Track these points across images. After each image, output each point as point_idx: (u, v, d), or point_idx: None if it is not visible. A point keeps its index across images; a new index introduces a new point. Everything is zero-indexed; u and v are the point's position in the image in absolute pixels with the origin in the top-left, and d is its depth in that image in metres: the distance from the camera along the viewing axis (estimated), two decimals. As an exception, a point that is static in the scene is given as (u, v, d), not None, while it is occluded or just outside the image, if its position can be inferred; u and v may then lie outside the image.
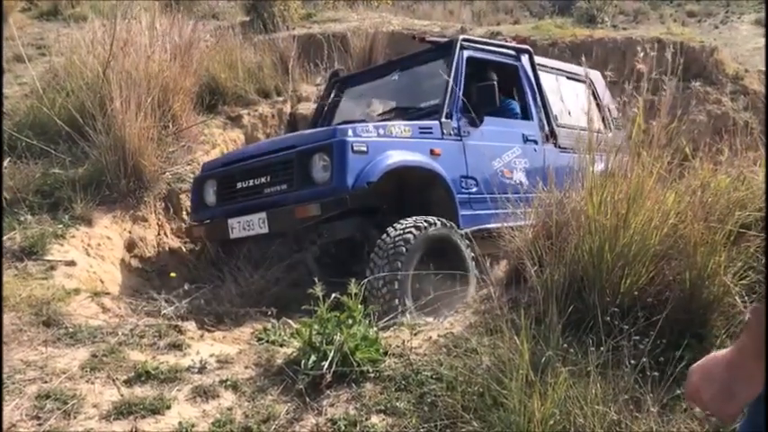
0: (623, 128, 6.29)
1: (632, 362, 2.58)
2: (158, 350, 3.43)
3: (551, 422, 2.42)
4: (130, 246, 5.04)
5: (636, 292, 2.99)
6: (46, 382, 3.00)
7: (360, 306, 3.23)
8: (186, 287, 4.22)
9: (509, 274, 3.61)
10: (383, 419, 2.77)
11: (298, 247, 4.88)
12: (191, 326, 3.85)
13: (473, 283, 4.42)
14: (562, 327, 2.80)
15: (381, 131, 4.64)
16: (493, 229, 4.51)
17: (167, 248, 5.38)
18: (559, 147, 5.61)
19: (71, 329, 3.53)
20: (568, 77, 6.38)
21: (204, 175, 5.21)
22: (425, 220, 4.34)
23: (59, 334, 3.47)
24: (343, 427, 2.73)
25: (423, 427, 2.67)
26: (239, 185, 4.81)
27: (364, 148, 4.41)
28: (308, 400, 2.91)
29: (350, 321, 3.15)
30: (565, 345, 2.73)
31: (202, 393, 3.01)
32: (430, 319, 3.75)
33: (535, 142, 5.61)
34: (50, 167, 5.40)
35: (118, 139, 5.22)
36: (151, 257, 5.19)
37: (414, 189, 4.87)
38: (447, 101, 5.05)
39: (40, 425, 2.73)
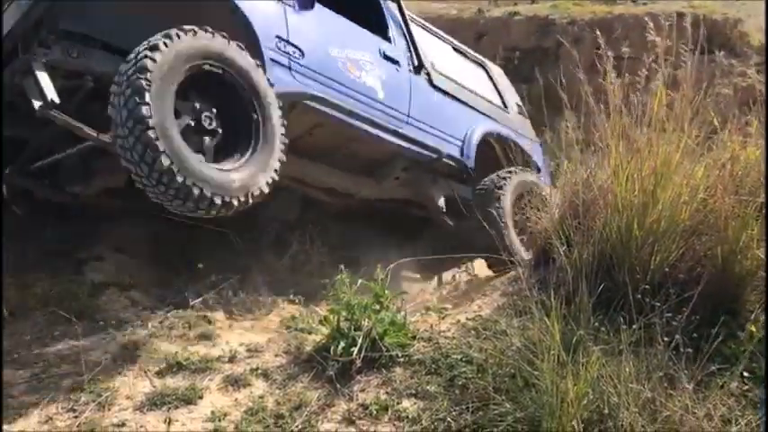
0: (527, 117, 6.30)
1: (665, 339, 2.55)
2: (188, 341, 3.46)
3: (584, 402, 2.40)
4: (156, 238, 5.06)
5: (666, 269, 2.95)
6: (80, 375, 3.04)
7: (386, 291, 3.23)
8: (213, 278, 4.24)
9: (537, 254, 3.59)
10: (414, 403, 2.77)
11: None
12: (219, 316, 3.88)
13: (275, 141, 3.54)
14: (592, 306, 2.77)
15: None
16: (330, 118, 4.12)
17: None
18: (435, 87, 5.16)
19: (102, 323, 3.58)
20: (456, 50, 6.02)
21: None
22: (181, 28, 3.25)
23: (91, 328, 3.52)
24: (375, 412, 2.74)
25: (454, 410, 2.66)
26: None
27: None
28: (338, 386, 2.91)
29: (377, 306, 3.15)
30: (596, 324, 2.70)
31: (234, 382, 3.04)
32: None
33: (398, 63, 4.88)
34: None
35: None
36: (177, 250, 5.22)
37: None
38: None
39: (75, 417, 2.77)
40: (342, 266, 3.24)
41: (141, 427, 2.73)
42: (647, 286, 2.78)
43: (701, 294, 2.73)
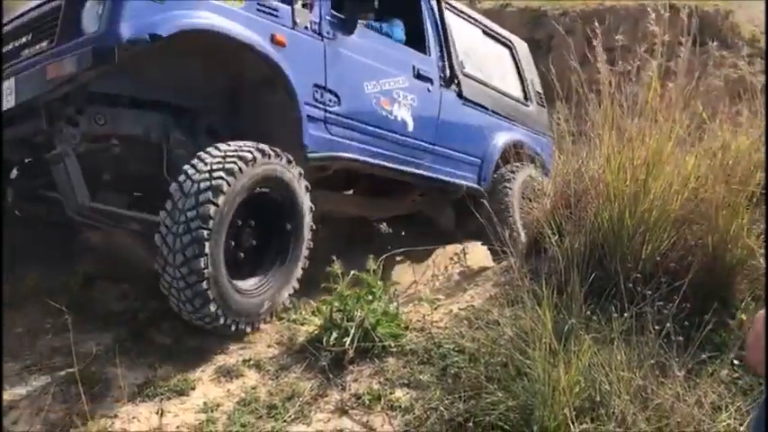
0: (545, 105, 6.21)
1: (656, 327, 2.56)
2: (180, 332, 3.45)
3: (576, 390, 2.41)
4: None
5: (658, 258, 2.97)
6: (71, 366, 3.03)
7: (379, 282, 3.23)
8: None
9: (529, 244, 3.60)
10: (407, 393, 2.78)
11: (49, 135, 3.22)
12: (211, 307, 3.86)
13: (302, 249, 3.50)
14: (584, 295, 2.78)
15: None
16: (357, 163, 4.02)
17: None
18: (463, 98, 4.95)
19: (94, 315, 3.56)
20: (486, 33, 5.72)
21: None
22: (242, 157, 3.14)
23: (83, 320, 3.50)
24: (368, 402, 2.74)
25: (447, 399, 2.67)
26: None
27: None
28: (331, 376, 2.92)
29: (369, 297, 3.16)
30: (587, 313, 2.72)
31: (226, 373, 3.04)
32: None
33: (430, 81, 4.65)
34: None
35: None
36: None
37: (250, 91, 3.74)
38: None
39: (68, 408, 2.76)
40: (334, 257, 3.24)
41: (133, 418, 2.73)
42: (638, 275, 2.79)
43: (691, 283, 2.75)
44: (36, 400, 2.82)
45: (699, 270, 2.87)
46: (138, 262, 4.06)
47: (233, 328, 3.18)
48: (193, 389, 2.92)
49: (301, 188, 3.45)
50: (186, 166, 3.10)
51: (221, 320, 3.11)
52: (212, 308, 3.04)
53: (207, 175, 3.02)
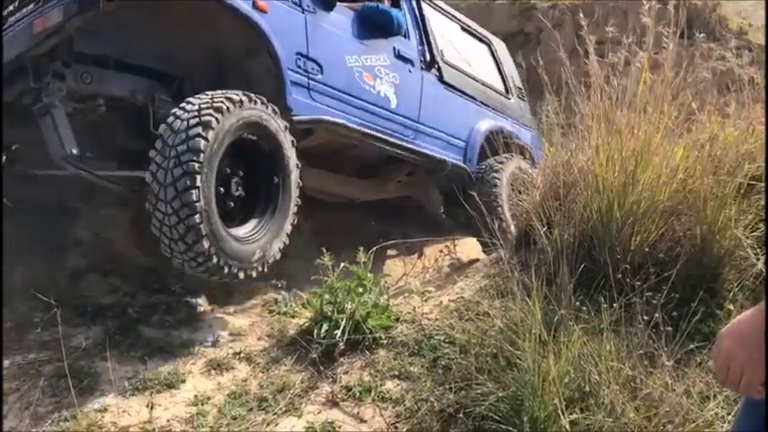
0: (525, 100, 6.31)
1: (645, 318, 2.57)
2: (170, 326, 3.44)
3: (566, 380, 2.42)
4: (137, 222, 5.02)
5: (646, 249, 2.98)
6: (61, 361, 3.01)
7: (369, 274, 3.23)
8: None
9: (518, 236, 3.60)
10: (398, 384, 2.78)
11: (36, 94, 3.21)
12: (201, 300, 3.86)
13: (291, 205, 3.52)
14: (573, 286, 2.79)
15: None
16: (342, 128, 4.02)
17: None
18: (444, 83, 5.08)
19: (83, 309, 3.54)
20: (464, 30, 5.92)
21: None
22: (229, 98, 3.21)
23: (72, 314, 3.49)
24: (358, 394, 2.75)
25: (437, 390, 2.68)
26: None
27: None
28: (322, 368, 2.92)
29: (360, 289, 3.16)
30: (577, 303, 2.72)
31: (216, 366, 3.04)
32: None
33: (411, 63, 4.79)
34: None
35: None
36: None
37: (234, 58, 3.78)
38: None
39: (57, 402, 2.75)
40: (324, 249, 3.24)
41: (124, 411, 2.72)
42: (627, 266, 2.80)
43: (679, 274, 2.76)
44: (25, 395, 2.80)
45: (687, 261, 2.88)
46: (126, 255, 4.05)
47: (226, 270, 3.12)
48: (183, 382, 2.92)
49: (287, 141, 3.49)
50: (174, 109, 3.15)
51: (214, 259, 3.05)
52: (205, 244, 3.00)
53: (196, 113, 3.08)
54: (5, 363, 3.09)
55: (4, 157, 4.00)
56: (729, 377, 1.18)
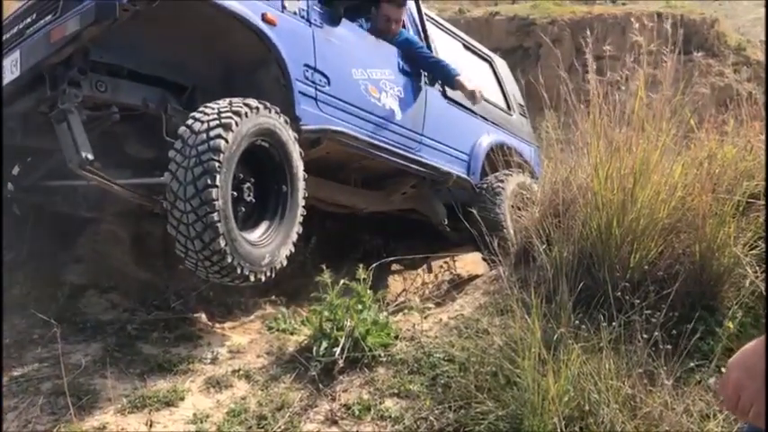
0: (527, 116, 6.41)
1: (645, 336, 2.57)
2: (169, 343, 3.44)
3: (566, 399, 2.42)
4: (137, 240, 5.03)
5: (646, 267, 2.98)
6: (59, 378, 3.01)
7: (369, 291, 3.23)
8: (195, 279, 4.21)
9: (517, 253, 3.61)
10: (397, 402, 2.77)
11: (53, 102, 3.25)
12: (201, 317, 3.86)
13: (298, 214, 3.58)
14: (573, 304, 2.79)
15: None
16: (349, 138, 4.10)
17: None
18: (448, 98, 5.19)
19: (82, 326, 3.54)
20: (467, 47, 6.07)
21: None
22: (247, 104, 3.30)
23: (70, 330, 3.48)
24: (358, 412, 2.74)
25: (437, 409, 2.67)
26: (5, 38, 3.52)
27: None
28: (321, 386, 2.91)
29: (359, 307, 3.16)
30: (576, 322, 2.72)
31: (215, 384, 3.02)
32: None
33: (415, 78, 4.91)
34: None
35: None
36: (159, 251, 5.18)
37: (244, 70, 3.86)
38: None
39: (55, 420, 2.74)
40: (324, 266, 3.24)
41: (122, 429, 2.71)
42: (626, 284, 2.80)
43: (679, 291, 2.76)
44: (24, 412, 2.79)
45: (686, 278, 2.88)
46: (126, 272, 4.05)
47: (238, 270, 3.16)
48: (182, 400, 2.90)
49: (296, 152, 3.57)
50: (193, 113, 3.22)
51: (229, 259, 3.09)
52: (222, 242, 3.05)
53: (216, 115, 3.16)
54: (4, 379, 3.08)
55: (17, 168, 4.05)
56: (739, 407, 1.19)
